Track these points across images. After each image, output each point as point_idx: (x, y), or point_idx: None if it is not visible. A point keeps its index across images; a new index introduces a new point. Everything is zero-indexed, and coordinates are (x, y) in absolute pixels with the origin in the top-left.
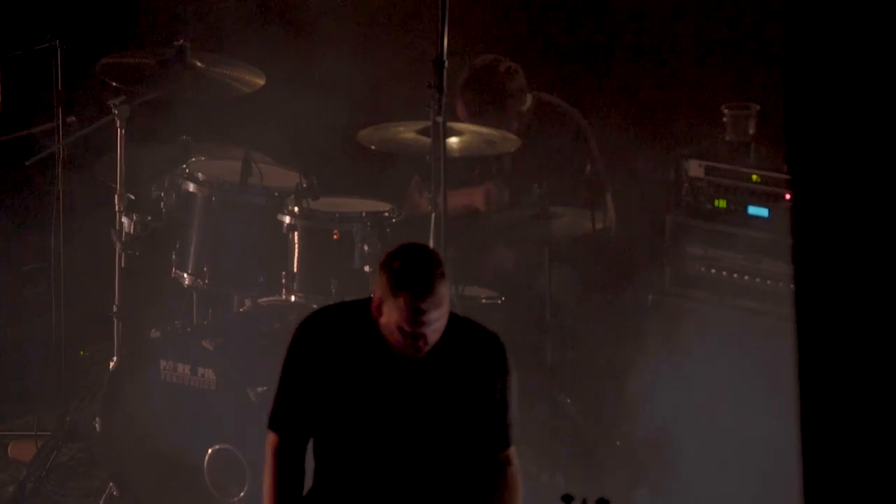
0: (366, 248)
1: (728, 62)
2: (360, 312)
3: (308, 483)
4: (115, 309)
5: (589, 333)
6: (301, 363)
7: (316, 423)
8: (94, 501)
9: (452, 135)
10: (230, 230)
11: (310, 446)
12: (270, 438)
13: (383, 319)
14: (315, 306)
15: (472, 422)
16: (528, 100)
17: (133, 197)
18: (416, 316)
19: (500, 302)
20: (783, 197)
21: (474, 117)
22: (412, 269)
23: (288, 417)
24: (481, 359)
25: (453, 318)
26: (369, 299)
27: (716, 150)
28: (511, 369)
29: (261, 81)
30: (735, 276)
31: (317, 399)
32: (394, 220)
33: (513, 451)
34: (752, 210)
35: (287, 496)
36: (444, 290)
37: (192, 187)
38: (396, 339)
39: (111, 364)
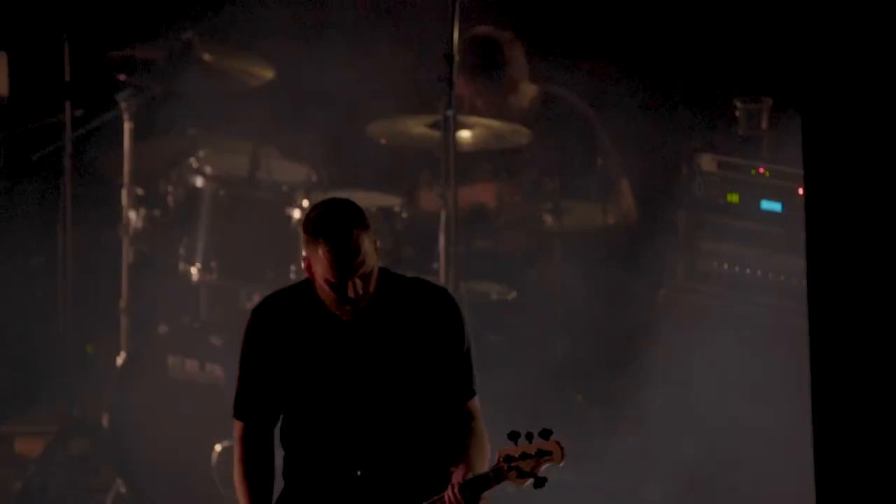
0: (376, 243)
1: (741, 55)
2: (304, 289)
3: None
4: (122, 304)
5: (600, 329)
6: (254, 349)
7: (278, 405)
8: (101, 497)
9: (463, 128)
10: (238, 225)
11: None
12: (236, 427)
13: (315, 278)
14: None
15: (426, 376)
16: (534, 90)
17: (141, 191)
18: (336, 263)
19: (509, 298)
20: (796, 191)
21: (473, 83)
22: (326, 218)
23: (250, 404)
24: (430, 313)
25: (398, 276)
26: None
27: (729, 144)
28: (463, 321)
29: (269, 74)
30: (748, 270)
31: (274, 381)
32: (403, 215)
33: (475, 402)
34: (766, 204)
35: (258, 483)
36: (362, 236)
37: (200, 182)
38: (329, 296)
39: (119, 359)
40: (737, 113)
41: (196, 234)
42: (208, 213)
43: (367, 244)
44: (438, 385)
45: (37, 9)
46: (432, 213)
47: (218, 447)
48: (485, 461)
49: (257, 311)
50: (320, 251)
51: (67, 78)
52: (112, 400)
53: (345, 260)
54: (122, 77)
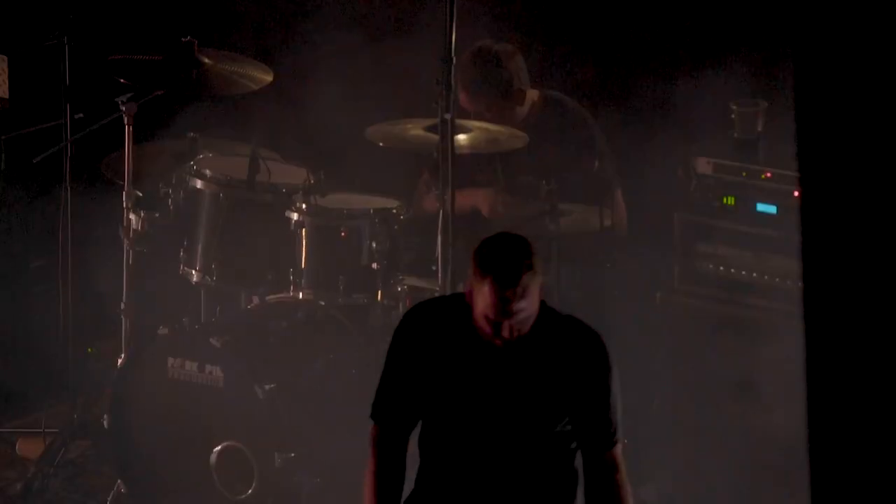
0: (374, 244)
1: (736, 58)
2: (458, 304)
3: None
4: (122, 306)
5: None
6: (400, 354)
7: (416, 413)
8: (101, 499)
9: (460, 132)
10: (238, 227)
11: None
12: (372, 429)
13: (475, 307)
14: (322, 303)
15: (565, 416)
16: (535, 95)
17: (140, 194)
18: (500, 305)
19: None
20: (792, 194)
21: (475, 98)
22: (499, 256)
23: (388, 408)
24: (580, 354)
25: (554, 313)
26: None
27: (724, 147)
28: (613, 368)
29: (268, 78)
30: (743, 273)
31: (416, 389)
32: (402, 217)
33: (617, 451)
34: (761, 207)
35: (387, 487)
36: (531, 282)
37: (199, 184)
38: (484, 327)
39: (119, 361)
40: (732, 116)
41: (196, 237)
42: (208, 215)
43: (533, 290)
44: (578, 428)
45: (37, 12)
46: (430, 216)
47: (217, 448)
48: None
49: (409, 316)
50: (486, 288)
51: (68, 81)
52: (112, 400)
53: (508, 303)
54: (122, 80)
